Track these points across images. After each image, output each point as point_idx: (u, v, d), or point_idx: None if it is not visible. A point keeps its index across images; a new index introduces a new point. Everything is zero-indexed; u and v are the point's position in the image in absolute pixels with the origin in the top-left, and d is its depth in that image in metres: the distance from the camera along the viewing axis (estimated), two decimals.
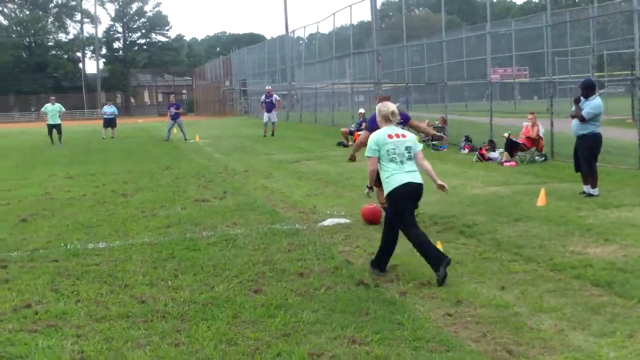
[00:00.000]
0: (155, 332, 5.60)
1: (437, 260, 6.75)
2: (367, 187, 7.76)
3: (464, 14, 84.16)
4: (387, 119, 7.39)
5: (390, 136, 7.18)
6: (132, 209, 11.67)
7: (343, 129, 24.94)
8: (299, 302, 6.27)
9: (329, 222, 9.93)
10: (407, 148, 7.18)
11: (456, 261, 7.50)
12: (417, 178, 7.16)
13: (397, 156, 7.11)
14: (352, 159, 10.62)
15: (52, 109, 29.21)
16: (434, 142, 21.19)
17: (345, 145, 23.00)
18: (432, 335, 5.32)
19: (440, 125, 22.10)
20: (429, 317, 5.75)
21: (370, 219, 9.80)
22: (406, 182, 7.03)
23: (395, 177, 7.05)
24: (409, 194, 7.10)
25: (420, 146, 7.40)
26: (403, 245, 8.41)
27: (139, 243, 8.96)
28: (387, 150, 7.12)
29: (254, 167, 17.67)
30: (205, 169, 17.50)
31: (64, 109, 30.73)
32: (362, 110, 25.33)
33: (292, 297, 6.41)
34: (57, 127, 29.06)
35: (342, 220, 10.07)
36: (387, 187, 7.12)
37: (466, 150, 19.61)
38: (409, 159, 7.18)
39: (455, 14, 79.74)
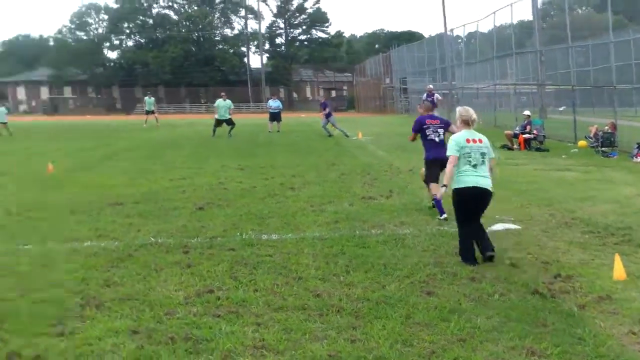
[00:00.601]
0: (332, 327, 5.75)
1: (468, 256, 7.77)
2: (443, 184, 8.06)
3: (631, 13, 79.68)
4: (467, 124, 8.06)
5: (468, 140, 7.87)
6: (301, 202, 11.99)
7: (507, 132, 24.36)
8: (473, 307, 6.23)
9: (498, 226, 9.76)
10: (482, 154, 7.86)
11: (637, 276, 7.19)
12: (485, 184, 7.80)
13: (472, 159, 7.79)
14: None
15: (224, 105, 30.43)
16: (603, 149, 20.32)
17: (510, 148, 22.49)
18: (616, 353, 5.14)
19: (609, 131, 21.13)
20: (612, 334, 5.55)
21: None
22: (472, 185, 7.73)
23: (464, 178, 7.78)
24: (472, 196, 7.78)
25: (493, 154, 8.09)
26: (575, 255, 8.17)
27: (310, 237, 9.18)
28: (464, 153, 7.81)
29: (418, 166, 17.50)
30: (369, 166, 17.64)
31: (233, 106, 31.87)
32: (527, 112, 24.63)
33: (465, 301, 6.38)
34: (227, 121, 30.28)
35: (512, 226, 9.86)
36: (455, 184, 7.87)
37: (639, 159, 18.64)
38: (483, 163, 7.84)
39: (621, 14, 75.67)
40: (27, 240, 9.20)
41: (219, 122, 30.20)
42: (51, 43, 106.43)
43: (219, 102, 30.67)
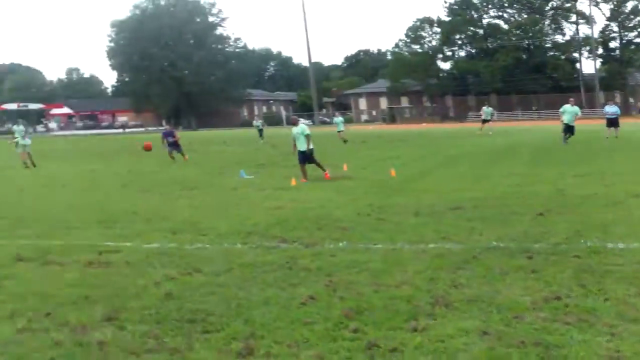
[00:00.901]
0: None
1: None
2: None
3: None
4: None
5: None
6: None
7: None
8: None
9: None
10: None
11: None
12: None
13: None
14: None
15: (570, 111, 29.59)
16: None
17: None
18: None
19: None
20: None
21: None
22: None
23: None
24: None
25: None
26: None
27: None
28: None
29: None
30: None
31: (580, 113, 31.00)
32: None
33: None
34: (570, 128, 29.37)
35: None
36: None
37: None
38: None
39: None
40: (377, 239, 9.82)
41: (566, 128, 29.50)
42: (389, 57, 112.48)
43: (566, 107, 29.92)
